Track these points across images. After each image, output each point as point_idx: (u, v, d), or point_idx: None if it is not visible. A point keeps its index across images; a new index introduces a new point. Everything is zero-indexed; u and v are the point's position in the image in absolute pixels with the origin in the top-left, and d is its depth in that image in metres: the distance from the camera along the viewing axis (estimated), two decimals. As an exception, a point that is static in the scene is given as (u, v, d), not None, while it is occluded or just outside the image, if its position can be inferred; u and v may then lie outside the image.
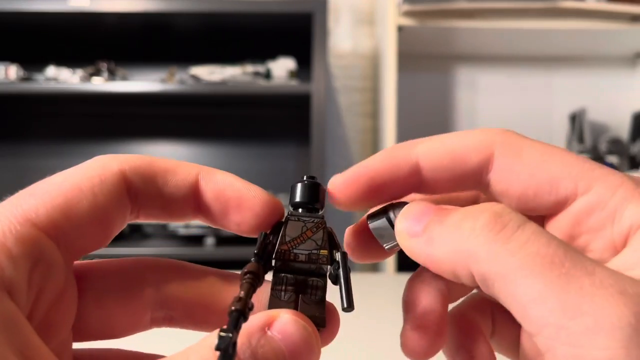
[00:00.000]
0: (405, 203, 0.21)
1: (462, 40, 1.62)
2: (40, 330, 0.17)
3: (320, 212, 0.22)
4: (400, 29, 1.46)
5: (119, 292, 0.21)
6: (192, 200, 0.22)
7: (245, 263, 0.20)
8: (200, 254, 1.45)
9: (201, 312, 0.22)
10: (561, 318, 0.15)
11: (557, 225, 0.20)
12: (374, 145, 1.75)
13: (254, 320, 0.18)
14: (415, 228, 0.19)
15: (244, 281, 0.19)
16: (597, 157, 1.61)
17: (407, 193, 0.22)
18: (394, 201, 0.22)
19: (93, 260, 0.22)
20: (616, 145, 1.61)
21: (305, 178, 0.22)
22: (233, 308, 0.17)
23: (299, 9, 1.49)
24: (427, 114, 1.74)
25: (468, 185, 0.22)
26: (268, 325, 0.18)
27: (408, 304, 0.21)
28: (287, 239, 0.21)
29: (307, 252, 0.21)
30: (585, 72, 1.78)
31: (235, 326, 0.16)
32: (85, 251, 0.20)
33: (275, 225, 0.22)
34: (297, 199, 0.22)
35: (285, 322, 0.18)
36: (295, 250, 0.21)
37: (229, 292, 0.22)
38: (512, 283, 0.16)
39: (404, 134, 1.48)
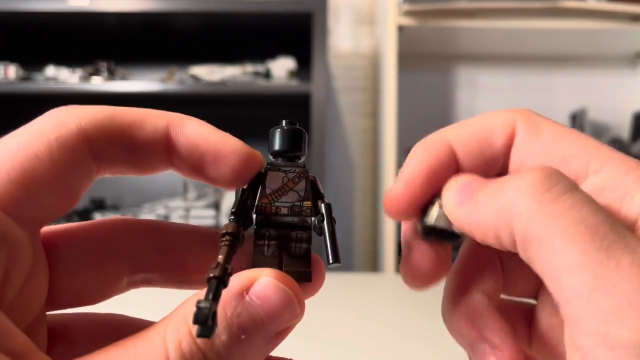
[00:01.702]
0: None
1: (462, 40, 1.62)
2: (12, 311, 0.17)
3: (302, 161, 0.21)
4: (401, 28, 1.46)
5: (92, 259, 0.20)
6: (163, 154, 0.20)
7: None
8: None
9: (181, 273, 0.21)
10: (593, 291, 0.15)
11: None
12: (374, 145, 1.75)
13: (231, 285, 0.17)
14: (462, 197, 0.19)
15: (222, 243, 0.18)
16: (598, 157, 1.61)
17: (447, 179, 0.22)
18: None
19: (61, 226, 0.20)
20: (617, 145, 1.61)
21: (284, 124, 0.21)
22: (211, 275, 0.15)
23: (299, 8, 1.49)
24: (427, 114, 1.74)
25: (497, 167, 0.21)
26: (246, 289, 0.17)
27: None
28: (268, 191, 0.20)
29: (289, 205, 0.20)
30: (586, 72, 1.78)
31: (214, 295, 0.15)
32: (49, 219, 0.19)
33: (255, 177, 0.20)
34: (277, 147, 0.20)
35: (264, 285, 0.17)
36: (276, 203, 0.20)
37: (210, 249, 0.21)
38: (550, 247, 0.16)
39: (404, 134, 1.47)
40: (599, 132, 1.73)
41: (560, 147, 0.19)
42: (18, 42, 1.66)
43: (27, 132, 0.18)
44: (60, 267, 0.20)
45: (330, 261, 0.19)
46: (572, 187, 0.17)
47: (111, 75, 1.53)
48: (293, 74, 1.53)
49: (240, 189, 0.20)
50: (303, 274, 0.19)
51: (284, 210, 0.20)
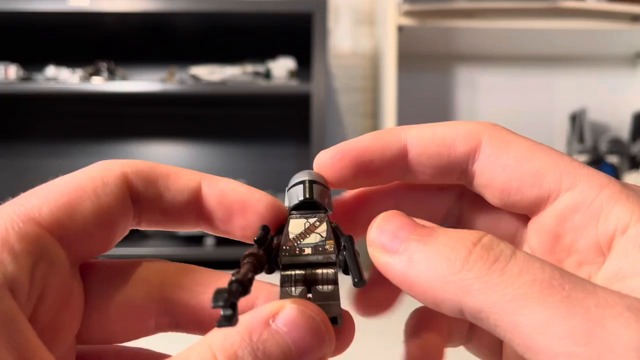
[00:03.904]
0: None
1: (462, 40, 1.62)
2: (46, 333, 0.17)
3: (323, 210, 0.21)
4: (400, 29, 1.46)
5: (123, 295, 0.20)
6: (195, 206, 0.21)
7: None
8: (200, 254, 1.45)
9: (208, 318, 0.21)
10: (571, 345, 0.14)
11: (542, 224, 0.20)
12: (374, 145, 1.75)
13: (256, 312, 0.17)
14: (393, 244, 0.18)
15: (245, 262, 0.18)
16: (598, 157, 1.61)
17: (393, 176, 0.22)
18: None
19: (96, 261, 0.21)
20: (616, 145, 1.61)
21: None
22: (233, 279, 0.16)
23: (299, 9, 1.49)
24: (427, 114, 1.74)
25: (453, 175, 0.21)
26: (272, 316, 0.16)
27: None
28: (291, 236, 0.20)
29: (312, 245, 0.20)
30: (586, 72, 1.78)
31: (234, 292, 0.15)
32: (89, 254, 0.20)
33: (279, 228, 0.21)
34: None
35: (292, 312, 0.17)
36: (300, 245, 0.20)
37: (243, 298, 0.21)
38: (512, 314, 0.15)
39: (404, 134, 1.47)
40: (598, 132, 1.73)
41: (531, 162, 0.19)
42: (18, 42, 1.66)
43: (76, 172, 0.20)
44: (92, 300, 0.20)
45: (356, 280, 0.19)
46: (512, 251, 0.16)
47: (111, 76, 1.53)
48: (293, 74, 1.53)
49: (263, 225, 0.21)
50: (331, 316, 0.19)
51: (308, 251, 0.20)
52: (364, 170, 0.21)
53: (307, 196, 0.21)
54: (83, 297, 0.19)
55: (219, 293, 0.15)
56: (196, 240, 1.50)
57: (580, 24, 1.47)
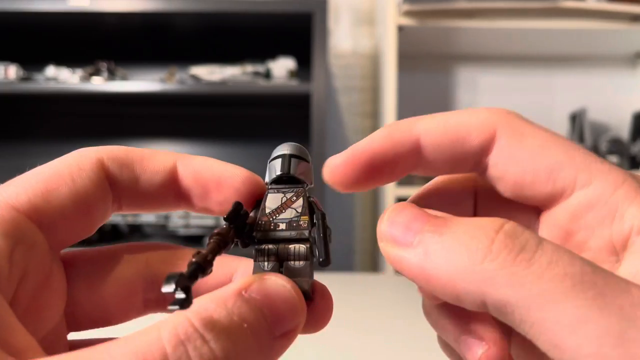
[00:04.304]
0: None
1: (462, 40, 1.62)
2: (28, 315, 0.17)
3: (302, 183, 0.21)
4: (400, 29, 1.46)
5: (109, 275, 0.21)
6: (172, 186, 0.21)
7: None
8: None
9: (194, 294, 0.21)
10: (603, 346, 0.14)
11: (554, 219, 0.19)
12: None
13: (229, 286, 0.17)
14: (406, 237, 0.17)
15: (209, 242, 0.18)
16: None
17: (406, 171, 0.21)
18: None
19: (79, 249, 0.22)
20: (616, 145, 1.61)
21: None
22: (193, 259, 0.16)
23: (299, 9, 1.49)
24: (426, 114, 1.74)
25: (467, 167, 0.21)
26: (244, 289, 0.17)
27: None
28: (267, 210, 0.20)
29: (287, 220, 0.20)
30: (586, 72, 1.78)
31: (190, 274, 0.15)
32: (69, 239, 0.20)
33: (256, 202, 0.21)
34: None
35: (263, 282, 0.17)
36: (275, 220, 0.20)
37: (221, 272, 0.22)
38: (540, 310, 0.14)
39: (404, 134, 1.47)
40: (598, 132, 1.73)
41: (546, 156, 0.19)
42: (18, 42, 1.66)
43: (52, 161, 0.20)
44: (79, 284, 0.20)
45: (321, 258, 0.19)
46: (539, 241, 0.16)
47: (111, 76, 1.53)
48: (293, 74, 1.53)
49: (236, 202, 0.20)
50: (302, 290, 0.19)
51: (282, 226, 0.20)
52: (377, 172, 0.21)
53: (285, 171, 0.21)
54: (64, 278, 0.20)
55: (170, 277, 0.15)
56: (196, 240, 1.50)
57: (580, 24, 1.47)
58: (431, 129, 0.20)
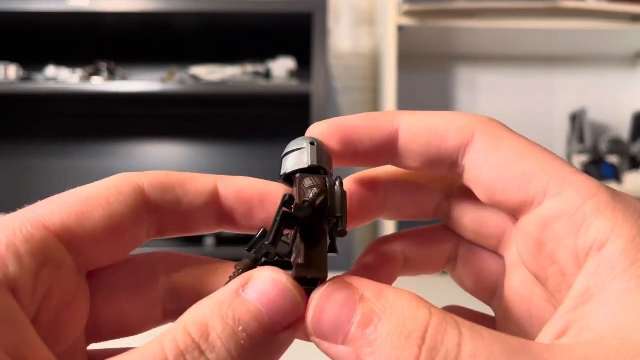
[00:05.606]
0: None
1: (462, 40, 1.62)
2: (49, 332, 0.17)
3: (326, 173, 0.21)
4: (400, 29, 1.46)
5: (130, 285, 0.21)
6: (214, 207, 0.21)
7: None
8: (200, 253, 1.45)
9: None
10: None
11: (527, 227, 0.20)
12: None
13: (227, 286, 0.17)
14: (335, 335, 0.17)
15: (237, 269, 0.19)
16: (598, 157, 1.61)
17: (382, 160, 0.22)
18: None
19: None
20: (616, 145, 1.61)
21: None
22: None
23: (299, 9, 1.49)
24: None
25: (443, 167, 0.21)
26: (242, 287, 0.17)
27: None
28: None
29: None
30: (586, 72, 1.78)
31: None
32: (99, 262, 0.20)
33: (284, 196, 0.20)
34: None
35: (260, 279, 0.17)
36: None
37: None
38: None
39: (404, 134, 1.47)
40: (598, 133, 1.73)
41: (520, 164, 0.19)
42: (18, 42, 1.66)
43: (94, 183, 0.20)
44: (100, 294, 0.20)
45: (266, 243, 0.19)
46: (457, 348, 0.15)
47: (111, 75, 1.53)
48: (293, 74, 1.53)
49: (262, 229, 0.20)
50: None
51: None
52: (352, 148, 0.21)
53: (314, 162, 0.21)
54: (88, 296, 0.20)
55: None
56: (196, 240, 1.50)
57: (580, 24, 1.47)
58: (411, 123, 0.21)
